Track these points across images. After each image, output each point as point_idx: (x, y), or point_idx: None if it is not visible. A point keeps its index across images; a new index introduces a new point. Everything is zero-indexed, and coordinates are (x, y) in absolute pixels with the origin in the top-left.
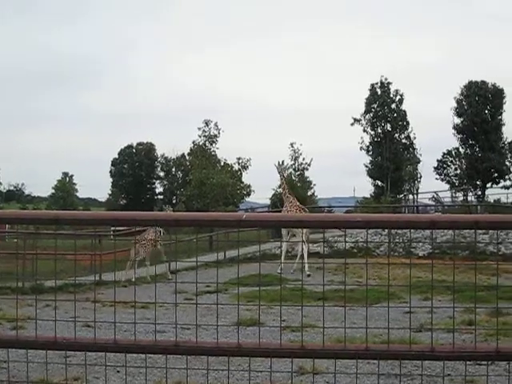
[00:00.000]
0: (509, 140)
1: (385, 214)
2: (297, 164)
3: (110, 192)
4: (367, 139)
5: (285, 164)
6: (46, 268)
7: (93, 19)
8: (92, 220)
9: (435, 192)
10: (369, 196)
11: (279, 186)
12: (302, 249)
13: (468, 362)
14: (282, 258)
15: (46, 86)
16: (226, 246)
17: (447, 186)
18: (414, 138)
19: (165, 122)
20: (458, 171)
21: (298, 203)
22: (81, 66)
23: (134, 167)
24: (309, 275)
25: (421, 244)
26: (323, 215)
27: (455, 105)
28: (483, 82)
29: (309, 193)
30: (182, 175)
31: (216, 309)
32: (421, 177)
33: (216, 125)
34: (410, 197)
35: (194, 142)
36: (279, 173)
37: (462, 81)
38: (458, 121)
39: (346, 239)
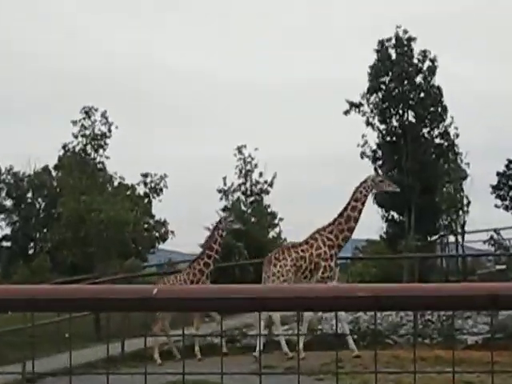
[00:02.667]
0: None
1: (409, 285)
2: (249, 184)
3: None
4: (373, 138)
5: (230, 183)
6: None
7: None
8: None
9: (495, 229)
10: (378, 238)
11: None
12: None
13: None
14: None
15: None
16: (125, 330)
17: None
18: (457, 135)
19: (10, 116)
20: None
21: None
22: None
23: None
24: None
25: (470, 323)
26: (297, 288)
27: None
28: None
29: (271, 234)
30: (45, 205)
31: None
32: (469, 203)
33: (104, 116)
34: (451, 238)
35: (65, 147)
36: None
37: None
38: None
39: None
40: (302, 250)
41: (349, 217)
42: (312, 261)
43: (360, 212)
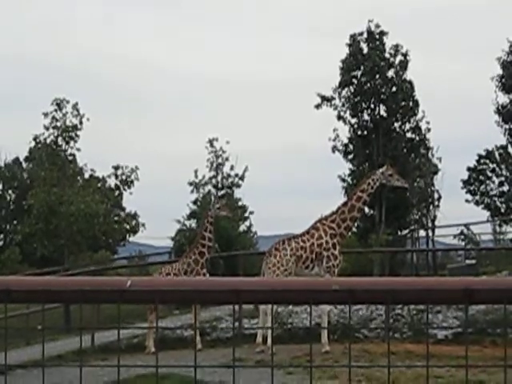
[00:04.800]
0: None
1: (384, 278)
2: (220, 177)
3: None
4: (345, 132)
5: (201, 176)
6: None
7: None
8: None
9: (465, 224)
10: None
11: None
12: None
13: None
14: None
15: None
16: (94, 323)
17: (486, 214)
18: (428, 129)
19: None
20: (506, 188)
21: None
22: None
23: None
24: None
25: (440, 318)
26: (272, 281)
27: (500, 71)
28: None
29: (241, 227)
30: (16, 197)
31: None
32: (439, 198)
33: (76, 108)
34: (422, 233)
35: (36, 139)
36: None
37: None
38: (504, 99)
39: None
40: (303, 240)
41: (353, 206)
42: (313, 250)
43: (365, 203)
